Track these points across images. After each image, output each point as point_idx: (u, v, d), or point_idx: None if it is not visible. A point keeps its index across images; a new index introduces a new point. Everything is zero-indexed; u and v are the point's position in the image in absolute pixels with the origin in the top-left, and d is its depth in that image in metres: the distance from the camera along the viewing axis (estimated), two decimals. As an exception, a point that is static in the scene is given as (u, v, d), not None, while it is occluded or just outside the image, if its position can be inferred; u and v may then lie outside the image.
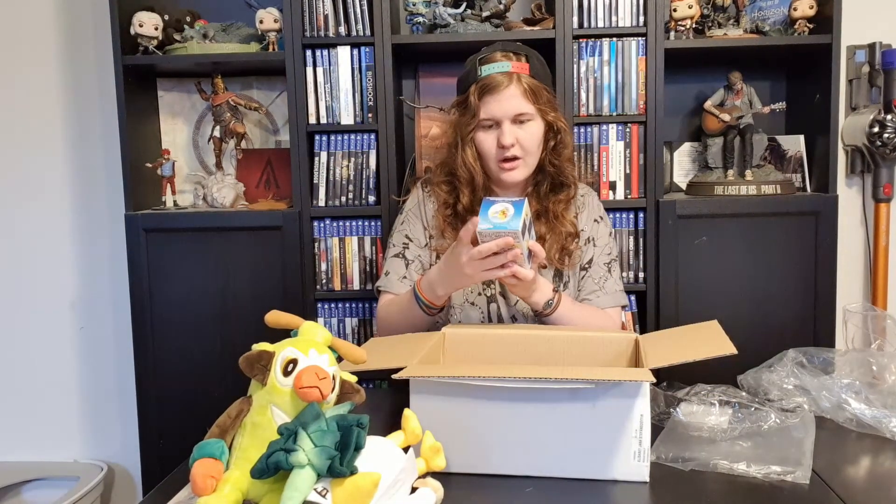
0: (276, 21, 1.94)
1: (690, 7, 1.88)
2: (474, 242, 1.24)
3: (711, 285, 1.90)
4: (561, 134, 1.48)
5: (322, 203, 1.96)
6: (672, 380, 1.26)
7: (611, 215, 1.87)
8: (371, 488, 0.77)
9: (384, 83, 1.91)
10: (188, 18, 2.10)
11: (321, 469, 0.77)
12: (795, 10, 1.91)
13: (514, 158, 1.44)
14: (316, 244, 1.97)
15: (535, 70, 1.45)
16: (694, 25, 1.92)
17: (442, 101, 2.02)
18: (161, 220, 1.94)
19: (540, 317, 1.42)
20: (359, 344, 1.35)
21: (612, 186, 1.94)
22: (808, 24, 1.91)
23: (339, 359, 0.94)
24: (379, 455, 0.83)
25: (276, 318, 0.94)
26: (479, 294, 1.51)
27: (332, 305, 1.99)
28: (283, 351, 0.88)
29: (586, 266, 1.54)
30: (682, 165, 2.15)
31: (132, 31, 1.92)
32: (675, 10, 1.89)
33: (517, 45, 1.49)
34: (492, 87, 1.41)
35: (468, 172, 1.47)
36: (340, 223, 1.97)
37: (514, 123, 1.43)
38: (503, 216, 1.21)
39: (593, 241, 1.55)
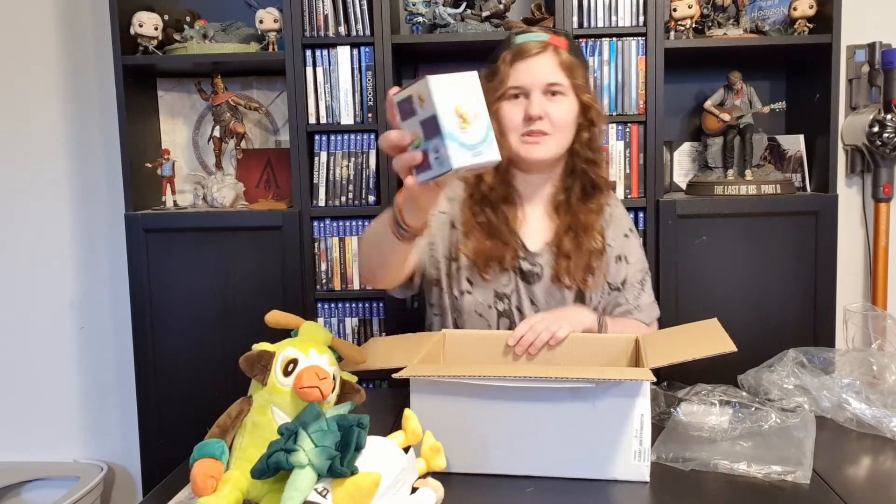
0: (275, 21, 1.94)
1: (690, 7, 1.88)
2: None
3: (711, 285, 1.90)
4: (596, 125, 1.36)
5: (322, 203, 1.96)
6: (672, 379, 1.26)
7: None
8: (371, 488, 0.77)
9: (384, 83, 1.91)
10: (188, 18, 2.10)
11: (321, 469, 0.77)
12: (795, 9, 1.91)
13: (540, 133, 1.31)
14: (316, 244, 1.97)
15: (574, 49, 1.35)
16: (694, 25, 1.92)
17: (442, 100, 2.02)
18: (161, 220, 1.94)
19: None
20: (359, 344, 1.36)
21: (612, 187, 1.93)
22: (807, 24, 1.91)
23: (340, 359, 0.94)
24: (379, 455, 0.83)
25: (276, 318, 0.95)
26: (490, 307, 1.39)
27: (332, 305, 1.99)
28: (283, 351, 0.88)
29: (619, 286, 1.42)
30: (681, 165, 2.14)
31: (132, 31, 1.92)
32: (674, 10, 1.89)
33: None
34: (525, 52, 1.31)
35: None
36: (340, 223, 1.97)
37: (544, 94, 1.31)
38: (421, 101, 0.88)
39: (625, 258, 1.43)
